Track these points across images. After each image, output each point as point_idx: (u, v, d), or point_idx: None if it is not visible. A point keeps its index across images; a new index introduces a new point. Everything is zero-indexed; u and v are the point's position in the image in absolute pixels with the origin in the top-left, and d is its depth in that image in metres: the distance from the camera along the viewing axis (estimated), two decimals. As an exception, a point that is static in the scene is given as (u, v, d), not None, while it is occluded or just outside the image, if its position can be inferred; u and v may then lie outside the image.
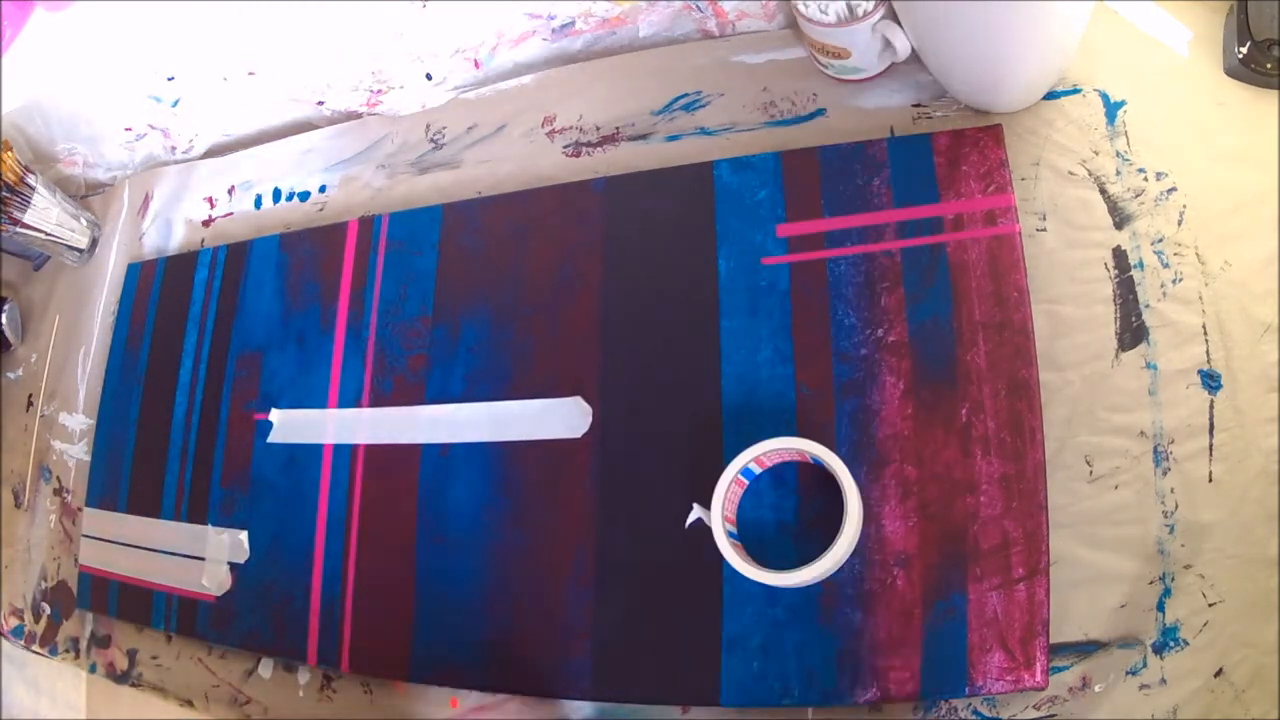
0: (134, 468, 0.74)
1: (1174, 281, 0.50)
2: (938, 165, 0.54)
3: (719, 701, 0.51)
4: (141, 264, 0.81)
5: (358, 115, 0.78)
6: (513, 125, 0.70)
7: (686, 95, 0.65)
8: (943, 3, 0.47)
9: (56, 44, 0.74)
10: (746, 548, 0.51)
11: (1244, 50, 0.50)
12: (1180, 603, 0.46)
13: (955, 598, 0.48)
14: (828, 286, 0.55)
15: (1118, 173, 0.53)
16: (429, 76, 0.73)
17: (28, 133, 0.87)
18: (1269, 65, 0.49)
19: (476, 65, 0.73)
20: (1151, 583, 0.47)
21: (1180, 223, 0.51)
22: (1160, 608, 0.47)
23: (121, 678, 0.72)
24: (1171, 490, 0.48)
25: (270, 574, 0.65)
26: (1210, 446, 0.48)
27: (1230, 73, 0.52)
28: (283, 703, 0.65)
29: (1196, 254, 0.51)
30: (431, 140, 0.73)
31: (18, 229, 0.80)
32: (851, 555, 0.50)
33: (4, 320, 0.88)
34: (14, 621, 0.79)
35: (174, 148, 0.86)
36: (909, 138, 0.56)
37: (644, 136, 0.66)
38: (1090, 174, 0.53)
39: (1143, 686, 0.46)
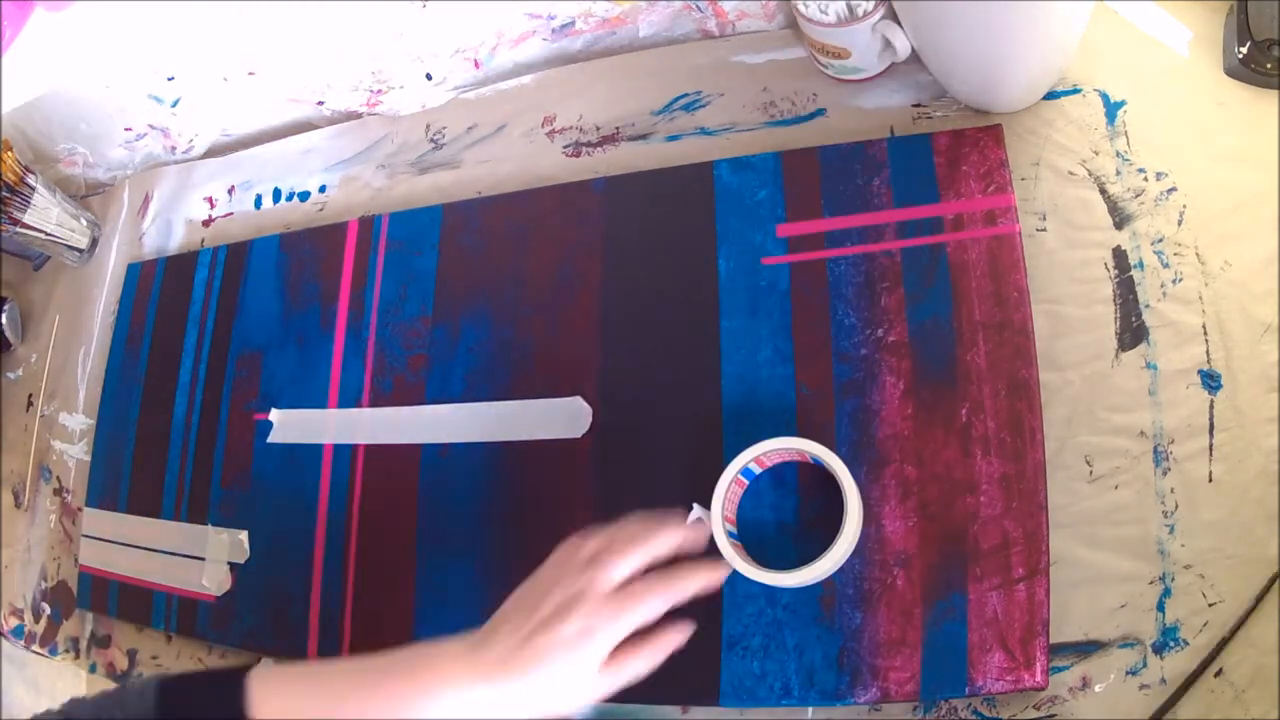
0: (134, 468, 0.74)
1: (1174, 281, 0.51)
2: (938, 165, 0.54)
3: (719, 701, 0.51)
4: (141, 264, 0.81)
5: (358, 115, 0.78)
6: (513, 125, 0.70)
7: (686, 95, 0.65)
8: (943, 3, 0.47)
9: (56, 44, 0.74)
10: (746, 547, 0.51)
11: (1244, 50, 0.50)
12: (1180, 603, 0.46)
13: (955, 598, 0.48)
14: (828, 286, 0.55)
15: (1118, 173, 0.53)
16: (429, 76, 0.73)
17: (28, 133, 0.87)
18: (1269, 65, 0.49)
19: (476, 65, 0.73)
20: (1151, 583, 0.47)
21: (1180, 223, 0.51)
22: (1160, 608, 0.47)
23: (121, 678, 0.72)
24: (1171, 490, 0.48)
25: (270, 574, 0.65)
26: (1210, 446, 0.48)
27: (1230, 73, 0.52)
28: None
29: (1196, 254, 0.51)
30: (431, 140, 0.73)
31: (18, 229, 0.80)
32: (851, 555, 0.50)
33: (4, 320, 0.88)
34: (14, 621, 0.79)
35: (174, 148, 0.86)
36: (909, 138, 0.56)
37: (644, 136, 0.66)
38: (1090, 174, 0.53)
39: (1143, 686, 0.46)
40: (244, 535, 0.67)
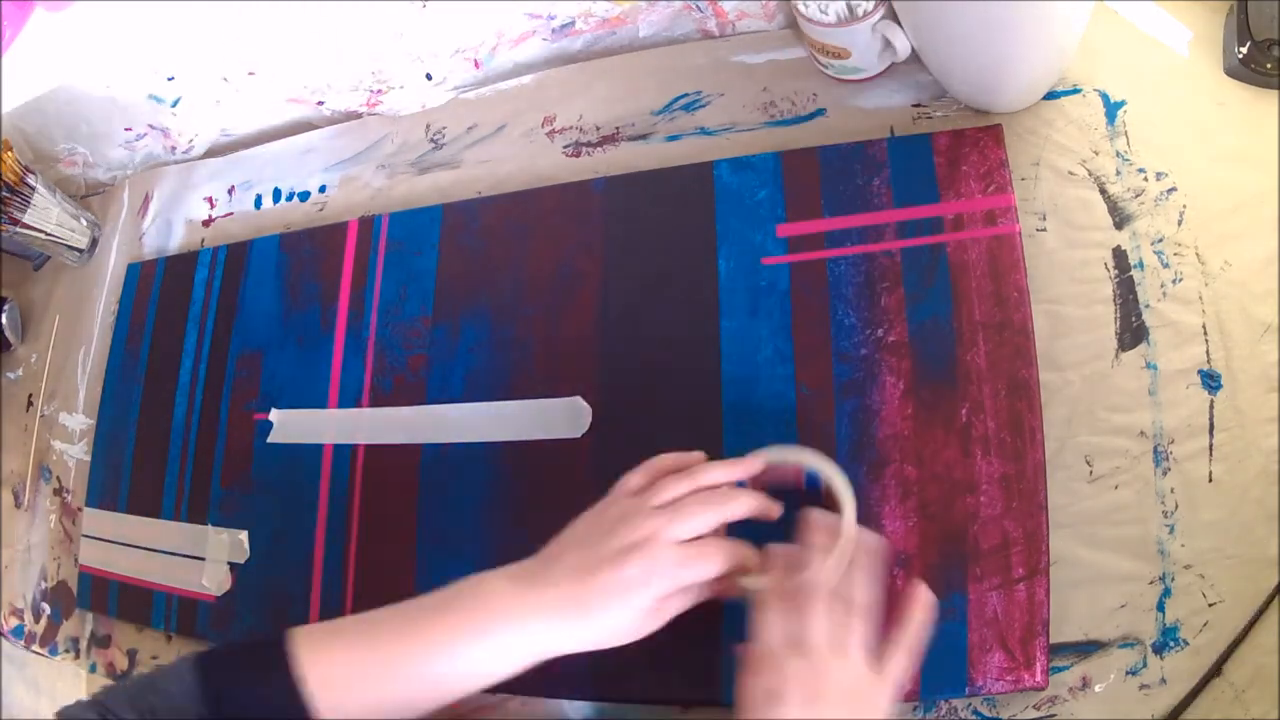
0: (134, 468, 0.74)
1: (1174, 281, 0.51)
2: (938, 165, 0.54)
3: (719, 701, 0.51)
4: (141, 264, 0.81)
5: (358, 115, 0.78)
6: (513, 125, 0.70)
7: (686, 95, 0.65)
8: (943, 2, 0.47)
9: (56, 44, 0.74)
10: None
11: (1244, 50, 0.50)
12: (1180, 603, 0.46)
13: (955, 598, 0.48)
14: (828, 286, 0.55)
15: (1118, 173, 0.53)
16: (429, 76, 0.73)
17: (28, 133, 0.87)
18: (1269, 65, 0.49)
19: (476, 65, 0.73)
20: (1151, 583, 0.47)
21: (1180, 223, 0.51)
22: (1160, 608, 0.47)
23: (121, 678, 0.72)
24: (1171, 490, 0.48)
25: (270, 574, 0.65)
26: (1210, 446, 0.48)
27: (1230, 73, 0.52)
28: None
29: (1196, 254, 0.51)
30: (431, 140, 0.73)
31: (18, 229, 0.80)
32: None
33: (4, 320, 0.88)
34: (14, 621, 0.79)
35: (174, 148, 0.86)
36: (909, 138, 0.56)
37: (644, 136, 0.66)
38: (1090, 174, 0.53)
39: (1143, 686, 0.46)
40: (244, 535, 0.67)
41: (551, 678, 0.55)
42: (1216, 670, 0.45)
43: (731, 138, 0.63)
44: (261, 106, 0.81)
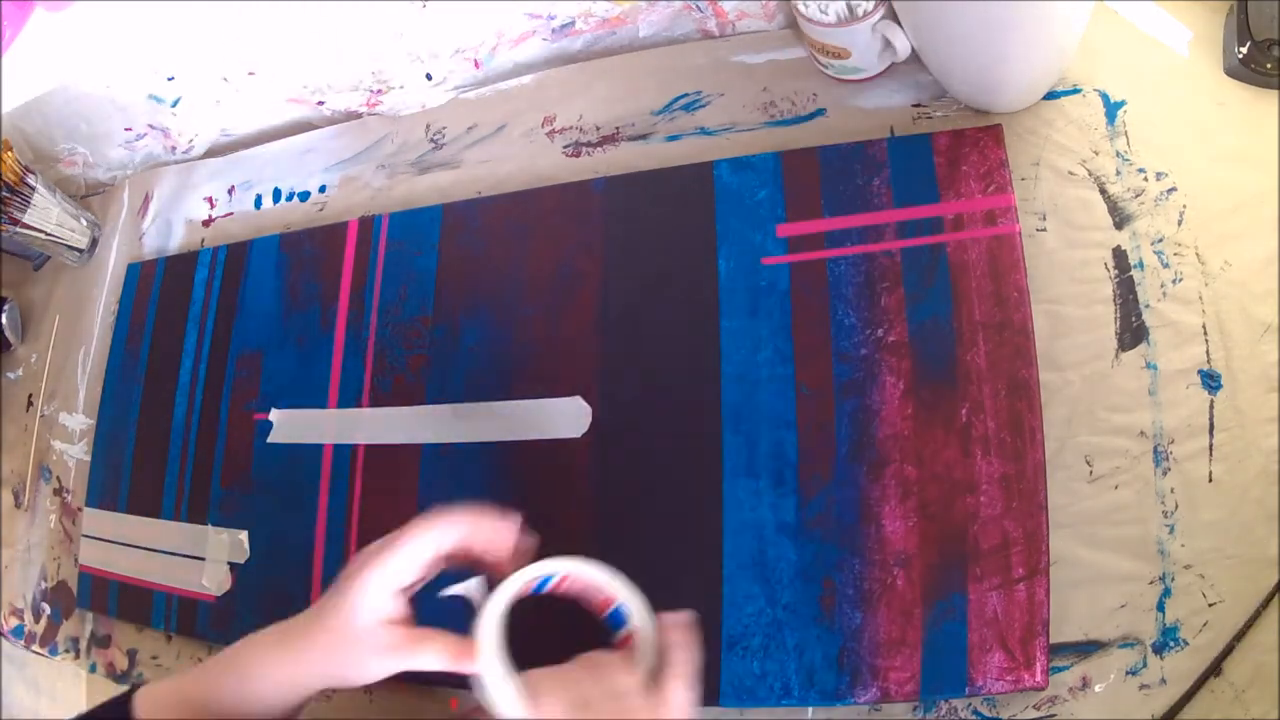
0: (134, 468, 0.74)
1: (1174, 281, 0.51)
2: (938, 165, 0.54)
3: (719, 701, 0.51)
4: (141, 264, 0.81)
5: (358, 115, 0.78)
6: (513, 125, 0.70)
7: (686, 95, 0.65)
8: (943, 2, 0.47)
9: (56, 44, 0.74)
10: (743, 550, 0.52)
11: (1244, 50, 0.50)
12: (1180, 603, 0.46)
13: (955, 598, 0.48)
14: (828, 286, 0.55)
15: (1118, 173, 0.53)
16: (429, 76, 0.73)
17: (28, 133, 0.87)
18: (1269, 65, 0.50)
19: (476, 65, 0.73)
20: (1151, 583, 0.47)
21: (1180, 223, 0.51)
22: (1160, 608, 0.47)
23: (121, 678, 0.72)
24: (1171, 490, 0.48)
25: (270, 574, 0.65)
26: (1210, 446, 0.48)
27: (1230, 73, 0.52)
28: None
29: (1196, 254, 0.51)
30: (431, 140, 0.73)
31: (18, 229, 0.80)
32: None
33: (4, 320, 0.88)
34: (14, 621, 0.79)
35: (174, 148, 0.86)
36: (909, 138, 0.56)
37: (644, 136, 0.66)
38: (1090, 174, 0.53)
39: (1143, 686, 0.46)
40: (244, 535, 0.67)
41: (551, 678, 0.55)
42: (1216, 670, 0.45)
43: (731, 138, 0.63)
44: (261, 106, 0.81)
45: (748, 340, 0.55)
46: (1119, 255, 0.52)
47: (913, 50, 0.55)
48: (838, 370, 0.53)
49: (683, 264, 0.58)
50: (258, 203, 0.79)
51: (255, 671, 0.43)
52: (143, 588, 0.70)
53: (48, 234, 0.82)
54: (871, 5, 0.53)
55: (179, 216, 0.83)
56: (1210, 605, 0.46)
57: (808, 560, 0.51)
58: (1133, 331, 0.51)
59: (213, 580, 0.67)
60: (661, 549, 0.54)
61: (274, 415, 0.68)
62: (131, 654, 0.72)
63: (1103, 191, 0.53)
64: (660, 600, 0.54)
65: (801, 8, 0.55)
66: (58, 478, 0.81)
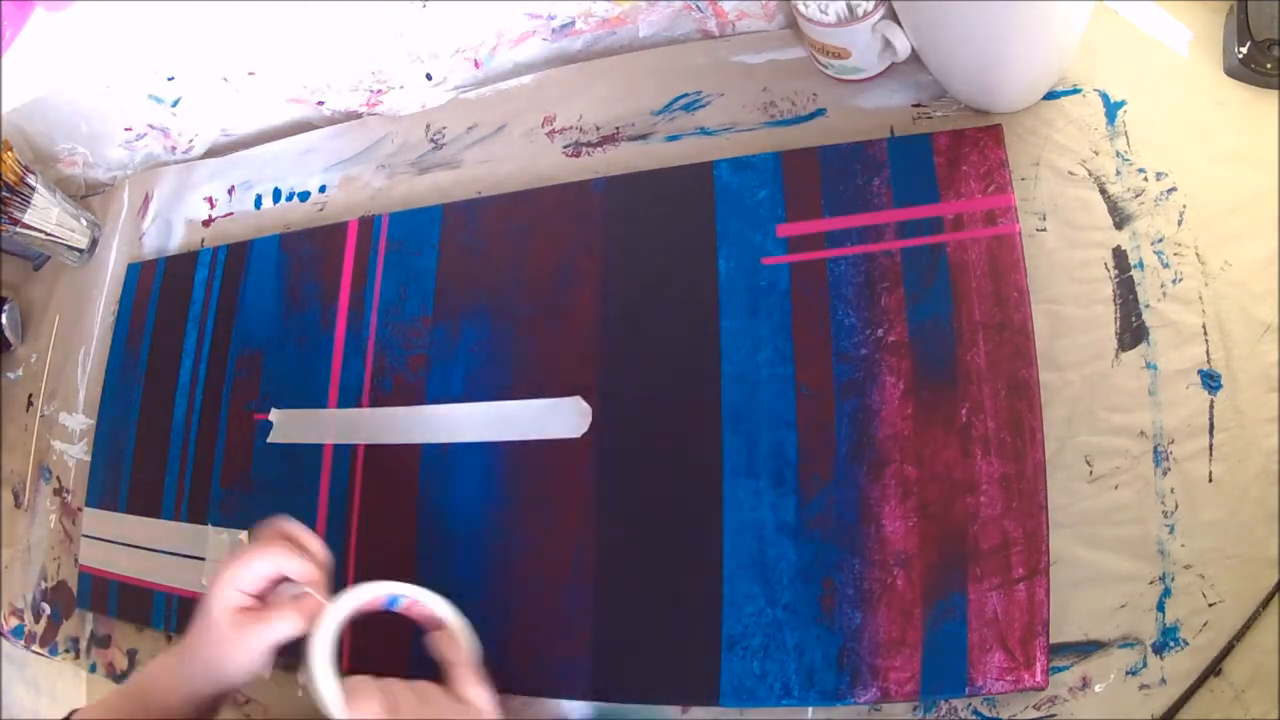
0: (134, 468, 0.74)
1: (1174, 281, 0.51)
2: (938, 165, 0.54)
3: (719, 701, 0.51)
4: (141, 264, 0.81)
5: (358, 115, 0.78)
6: (513, 125, 0.70)
7: (686, 95, 0.65)
8: (943, 2, 0.47)
9: (56, 44, 0.74)
10: (743, 550, 0.52)
11: (1244, 50, 0.50)
12: (1180, 603, 0.46)
13: (955, 598, 0.48)
14: (828, 286, 0.55)
15: (1118, 173, 0.53)
16: (429, 76, 0.73)
17: (28, 133, 0.87)
18: (1269, 65, 0.50)
19: (476, 65, 0.73)
20: (1151, 583, 0.47)
21: (1180, 223, 0.51)
22: (1160, 608, 0.47)
23: (121, 678, 0.72)
24: (1171, 490, 0.48)
25: (270, 574, 0.65)
26: (1210, 446, 0.48)
27: (1230, 73, 0.52)
28: (283, 703, 0.65)
29: (1196, 254, 0.51)
30: (431, 140, 0.73)
31: (18, 229, 0.80)
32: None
33: (4, 320, 0.88)
34: (14, 621, 0.79)
35: (174, 148, 0.86)
36: (909, 138, 0.56)
37: (644, 136, 0.66)
38: (1090, 174, 0.53)
39: (1143, 686, 0.46)
40: (244, 535, 0.67)
41: (551, 678, 0.55)
42: (1216, 670, 0.45)
43: (731, 138, 0.63)
44: (261, 106, 0.81)
45: (748, 340, 0.55)
46: (1119, 255, 0.52)
47: (913, 50, 0.55)
48: (838, 370, 0.53)
49: (683, 264, 0.58)
50: (258, 203, 0.79)
51: (161, 686, 0.48)
52: (143, 588, 0.70)
53: (48, 234, 0.82)
54: (871, 5, 0.53)
55: (179, 216, 0.83)
56: (1210, 605, 0.46)
57: (808, 560, 0.51)
58: (1133, 331, 0.51)
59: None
60: (661, 549, 0.54)
61: (274, 415, 0.68)
62: (131, 654, 0.72)
63: (1103, 191, 0.53)
64: (660, 600, 0.54)
65: (801, 8, 0.55)
66: (58, 478, 0.81)
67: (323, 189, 0.77)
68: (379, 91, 0.75)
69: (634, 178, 0.62)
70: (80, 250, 0.86)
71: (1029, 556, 0.47)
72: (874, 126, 0.59)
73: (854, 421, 0.52)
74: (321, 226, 0.73)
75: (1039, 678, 0.46)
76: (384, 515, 0.63)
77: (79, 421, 0.81)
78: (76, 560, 0.75)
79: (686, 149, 0.64)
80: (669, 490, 0.55)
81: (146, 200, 0.86)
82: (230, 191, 0.81)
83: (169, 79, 0.79)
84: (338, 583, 0.62)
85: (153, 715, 0.47)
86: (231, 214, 0.81)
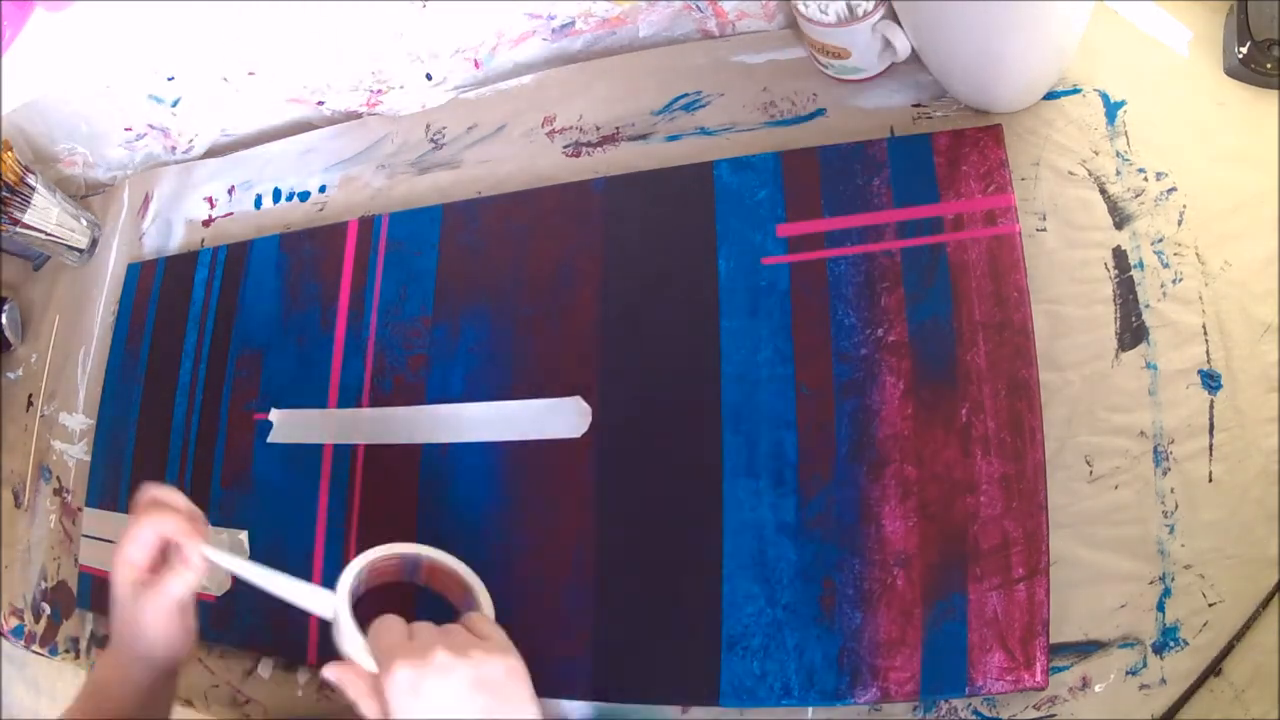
0: (134, 468, 0.74)
1: (1174, 281, 0.51)
2: (938, 165, 0.54)
3: (719, 701, 0.51)
4: (141, 264, 0.81)
5: (358, 115, 0.78)
6: (513, 125, 0.70)
7: (686, 95, 0.65)
8: (943, 2, 0.47)
9: (56, 44, 0.74)
10: (743, 550, 0.52)
11: (1244, 50, 0.50)
12: (1180, 603, 0.46)
13: (955, 598, 0.48)
14: (828, 286, 0.55)
15: (1118, 173, 0.53)
16: (429, 76, 0.73)
17: (28, 133, 0.87)
18: (1269, 65, 0.49)
19: (476, 65, 0.73)
20: (1151, 583, 0.47)
21: (1180, 223, 0.51)
22: (1160, 608, 0.47)
23: (121, 678, 0.72)
24: (1171, 490, 0.48)
25: (270, 574, 0.65)
26: (1210, 446, 0.48)
27: (1230, 73, 0.52)
28: (282, 703, 0.65)
29: (1196, 254, 0.51)
30: (431, 140, 0.73)
31: (18, 229, 0.80)
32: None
33: (4, 320, 0.88)
34: (14, 621, 0.79)
35: (174, 148, 0.87)
36: (909, 138, 0.56)
37: (644, 136, 0.66)
38: (1090, 174, 0.53)
39: (1143, 686, 0.46)
40: (244, 535, 0.67)
41: (551, 678, 0.55)
42: (1216, 670, 0.45)
43: (731, 138, 0.63)
44: (261, 106, 0.81)
45: (748, 340, 0.55)
46: (1119, 255, 0.52)
47: (913, 50, 0.55)
48: (838, 370, 0.53)
49: (683, 264, 0.58)
50: (258, 203, 0.79)
51: (108, 681, 0.50)
52: (143, 588, 0.70)
53: (48, 234, 0.82)
54: (871, 5, 0.53)
55: (179, 216, 0.83)
56: (1210, 605, 0.46)
57: (808, 560, 0.51)
58: (1133, 331, 0.51)
59: (213, 580, 0.67)
60: (661, 549, 0.54)
61: (274, 415, 0.68)
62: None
63: (1103, 191, 0.53)
64: (660, 599, 0.54)
65: (801, 8, 0.55)
66: (58, 478, 0.81)
67: (323, 189, 0.77)
68: (379, 91, 0.75)
69: (634, 178, 0.62)
70: (80, 250, 0.86)
71: (1029, 556, 0.47)
72: (874, 126, 0.59)
73: (854, 421, 0.52)
74: (321, 226, 0.73)
75: (1039, 678, 0.46)
76: (384, 515, 0.63)
77: (79, 421, 0.81)
78: (76, 560, 0.75)
79: (686, 149, 0.64)
80: (669, 490, 0.55)
81: (146, 200, 0.86)
82: (230, 191, 0.81)
83: (169, 79, 0.79)
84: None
85: (106, 715, 0.49)
86: (231, 214, 0.81)
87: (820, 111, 0.61)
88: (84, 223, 0.86)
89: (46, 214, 0.82)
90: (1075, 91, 0.55)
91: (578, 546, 0.56)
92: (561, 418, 0.59)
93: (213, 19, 0.72)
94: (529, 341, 0.61)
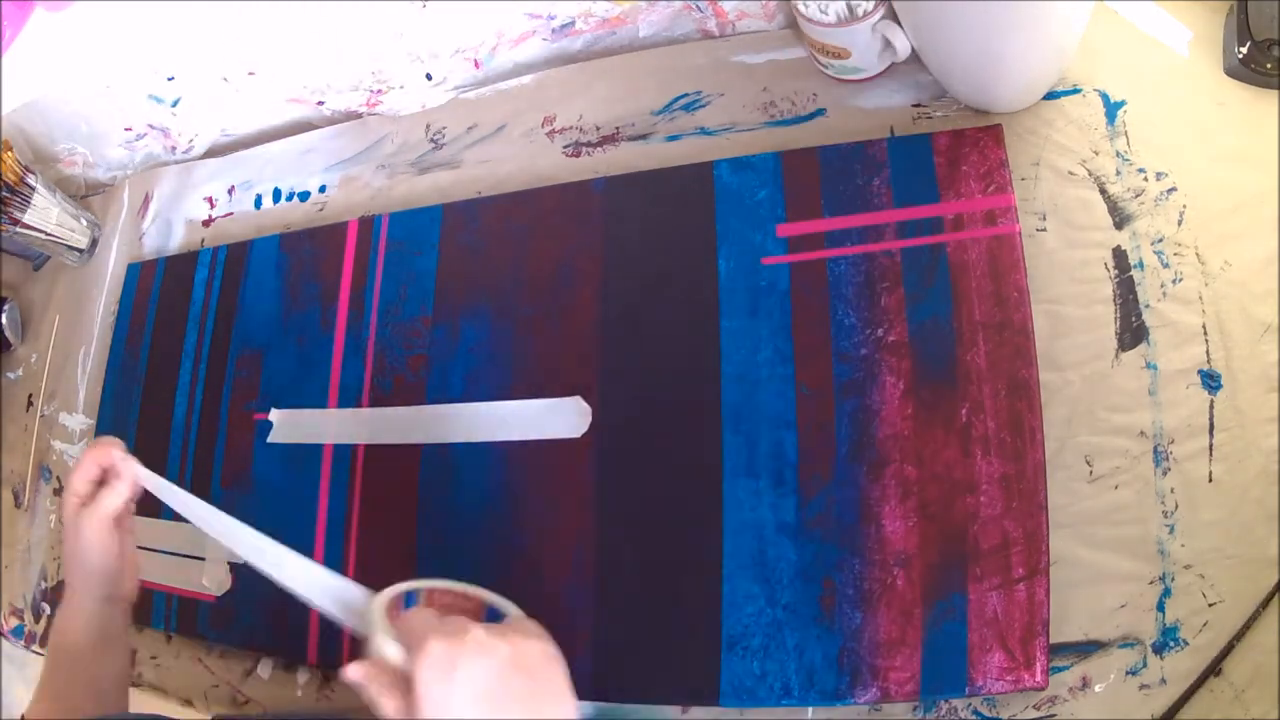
0: (134, 468, 0.74)
1: (1174, 281, 0.51)
2: (938, 165, 0.54)
3: (719, 701, 0.51)
4: (141, 264, 0.81)
5: (358, 115, 0.78)
6: (513, 125, 0.70)
7: (686, 95, 0.65)
8: (943, 2, 0.47)
9: (56, 44, 0.74)
10: (743, 550, 0.52)
11: (1244, 50, 0.50)
12: (1180, 603, 0.46)
13: (955, 598, 0.48)
14: (828, 286, 0.55)
15: (1118, 173, 0.53)
16: (429, 76, 0.73)
17: (28, 133, 0.87)
18: (1269, 65, 0.49)
19: (476, 65, 0.73)
20: (1151, 583, 0.47)
21: (1180, 223, 0.51)
22: (1160, 608, 0.47)
23: (121, 678, 0.72)
24: (1171, 490, 0.48)
25: (270, 574, 0.65)
26: (1210, 446, 0.48)
27: (1230, 73, 0.52)
28: (282, 702, 0.65)
29: (1196, 254, 0.51)
30: (431, 140, 0.73)
31: (18, 229, 0.80)
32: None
33: (4, 320, 0.88)
34: (14, 621, 0.79)
35: (174, 148, 0.87)
36: (909, 138, 0.56)
37: (644, 136, 0.66)
38: (1090, 174, 0.53)
39: (1143, 686, 0.46)
40: (244, 535, 0.67)
41: (551, 678, 0.55)
42: (1216, 670, 0.45)
43: (731, 138, 0.63)
44: (261, 106, 0.81)
45: (748, 340, 0.55)
46: (1119, 255, 0.52)
47: (913, 50, 0.55)
48: (838, 370, 0.53)
49: (683, 264, 0.58)
50: (258, 203, 0.79)
51: (67, 628, 0.52)
52: (143, 588, 0.70)
53: (48, 234, 0.82)
54: (871, 5, 0.53)
55: (179, 216, 0.83)
56: (1210, 605, 0.46)
57: (808, 560, 0.51)
58: (1133, 331, 0.51)
59: (213, 580, 0.67)
60: (661, 549, 0.54)
61: (274, 415, 0.68)
62: (131, 654, 0.72)
63: (1103, 191, 0.53)
64: (660, 599, 0.54)
65: (801, 8, 0.55)
66: (58, 478, 0.81)
67: (323, 189, 0.77)
68: (379, 91, 0.75)
69: (634, 178, 0.62)
70: (80, 250, 0.86)
71: (1029, 556, 0.47)
72: (874, 126, 0.59)
73: (854, 421, 0.52)
74: (321, 226, 0.73)
75: (1039, 678, 0.46)
76: (384, 515, 0.63)
77: (79, 421, 0.81)
78: (76, 560, 0.75)
79: (686, 149, 0.64)
80: (669, 490, 0.55)
81: (146, 200, 0.86)
82: (230, 191, 0.81)
83: (169, 79, 0.79)
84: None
85: (75, 662, 0.52)
86: (231, 214, 0.81)
87: (820, 111, 0.61)
88: (84, 223, 0.86)
89: (46, 214, 0.82)
90: (1075, 91, 0.55)
91: (578, 546, 0.56)
92: (561, 418, 0.59)
93: (213, 19, 0.72)
94: (529, 341, 0.61)
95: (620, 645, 0.54)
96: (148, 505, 0.72)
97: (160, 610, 0.69)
